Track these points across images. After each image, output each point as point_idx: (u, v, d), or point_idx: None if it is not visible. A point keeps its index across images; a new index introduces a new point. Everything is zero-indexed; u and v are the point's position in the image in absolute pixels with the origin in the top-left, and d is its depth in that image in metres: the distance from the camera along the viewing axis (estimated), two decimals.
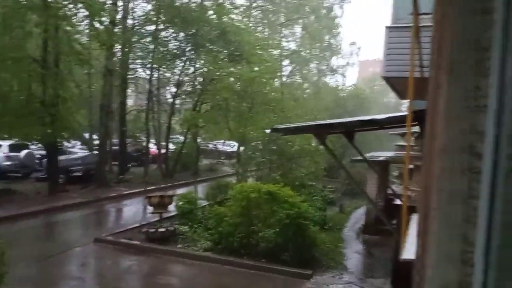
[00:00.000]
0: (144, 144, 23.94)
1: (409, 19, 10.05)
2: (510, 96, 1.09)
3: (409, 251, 3.29)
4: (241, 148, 21.21)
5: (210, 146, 30.96)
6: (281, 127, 7.48)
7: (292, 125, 7.96)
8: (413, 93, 5.81)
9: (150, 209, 12.06)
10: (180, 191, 16.30)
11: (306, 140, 17.25)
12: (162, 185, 19.88)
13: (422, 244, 1.34)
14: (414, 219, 3.98)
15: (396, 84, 11.47)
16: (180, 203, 12.55)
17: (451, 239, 1.19)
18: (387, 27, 10.52)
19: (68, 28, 16.56)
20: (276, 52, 27.83)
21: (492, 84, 1.12)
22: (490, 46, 1.14)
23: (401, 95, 14.63)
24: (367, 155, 14.27)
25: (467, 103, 1.19)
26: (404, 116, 5.84)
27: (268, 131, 11.29)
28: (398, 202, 13.16)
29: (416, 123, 6.77)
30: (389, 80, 11.39)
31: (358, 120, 6.33)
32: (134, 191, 18.29)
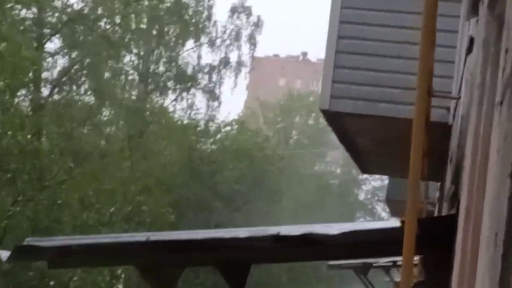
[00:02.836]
0: None
1: None
2: None
3: None
4: None
5: None
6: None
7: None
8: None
9: None
10: None
11: None
12: None
13: None
14: None
15: (353, 127, 7.13)
16: None
17: None
18: None
19: None
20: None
21: None
22: None
23: (363, 163, 9.39)
24: None
25: None
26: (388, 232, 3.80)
27: None
28: None
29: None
30: (338, 118, 7.21)
31: (271, 236, 3.99)
32: None
